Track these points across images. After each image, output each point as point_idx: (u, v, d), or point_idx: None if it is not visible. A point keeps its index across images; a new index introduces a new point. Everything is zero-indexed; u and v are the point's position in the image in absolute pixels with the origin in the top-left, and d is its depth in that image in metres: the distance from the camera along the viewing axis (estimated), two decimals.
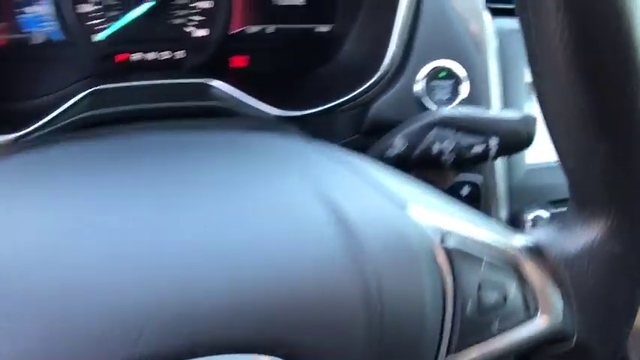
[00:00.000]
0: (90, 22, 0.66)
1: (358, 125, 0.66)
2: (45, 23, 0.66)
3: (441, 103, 0.63)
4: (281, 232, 0.30)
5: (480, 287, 0.34)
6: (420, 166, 0.48)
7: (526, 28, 0.29)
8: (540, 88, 0.31)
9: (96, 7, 0.66)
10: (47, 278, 0.25)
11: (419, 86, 0.63)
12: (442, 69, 0.63)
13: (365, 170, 0.36)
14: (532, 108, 0.71)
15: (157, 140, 0.38)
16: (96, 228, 0.28)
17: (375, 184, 0.34)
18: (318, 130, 0.63)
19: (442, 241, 0.34)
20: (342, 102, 0.63)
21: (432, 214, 0.34)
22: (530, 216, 0.71)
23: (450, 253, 0.34)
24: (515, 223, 0.71)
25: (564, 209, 0.38)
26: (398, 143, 0.48)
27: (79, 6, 0.65)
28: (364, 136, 0.67)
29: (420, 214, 0.34)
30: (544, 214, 0.71)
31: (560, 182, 0.76)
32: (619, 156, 0.30)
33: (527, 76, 0.71)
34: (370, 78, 0.63)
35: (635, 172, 0.32)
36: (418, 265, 0.32)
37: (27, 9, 0.65)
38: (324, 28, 0.74)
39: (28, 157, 0.34)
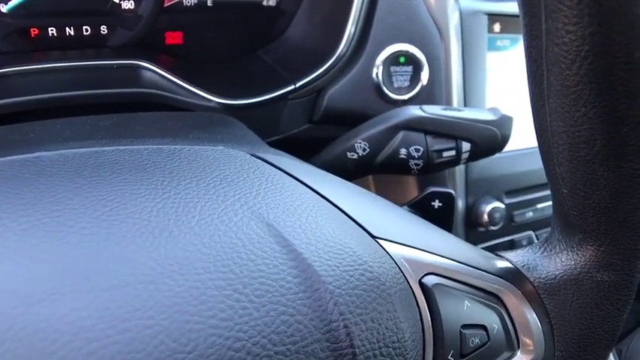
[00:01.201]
0: None
1: (310, 114, 0.60)
2: None
3: (401, 91, 0.58)
4: (226, 282, 0.24)
5: (462, 327, 0.30)
6: (382, 171, 0.43)
7: (532, 37, 0.23)
8: (542, 107, 0.26)
9: None
10: None
11: (377, 72, 0.57)
12: (402, 54, 0.58)
13: (328, 194, 0.30)
14: (491, 95, 0.67)
15: (78, 155, 0.31)
16: None
17: (340, 213, 0.29)
18: (265, 119, 0.57)
19: (418, 277, 0.29)
20: (293, 89, 0.56)
21: (406, 246, 0.29)
22: (486, 208, 0.68)
23: (428, 291, 0.29)
24: (471, 215, 0.68)
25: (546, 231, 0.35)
26: (359, 148, 0.43)
27: None
28: (316, 125, 0.61)
29: (392, 247, 0.29)
30: (499, 205, 0.68)
31: (513, 172, 0.75)
32: (623, 185, 0.26)
33: (489, 62, 0.67)
34: (324, 62, 0.57)
35: (634, 201, 0.28)
36: (392, 306, 0.27)
37: None
38: (270, 2, 0.66)
39: None
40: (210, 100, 0.55)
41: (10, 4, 0.57)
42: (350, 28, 0.56)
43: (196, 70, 0.59)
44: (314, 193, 0.29)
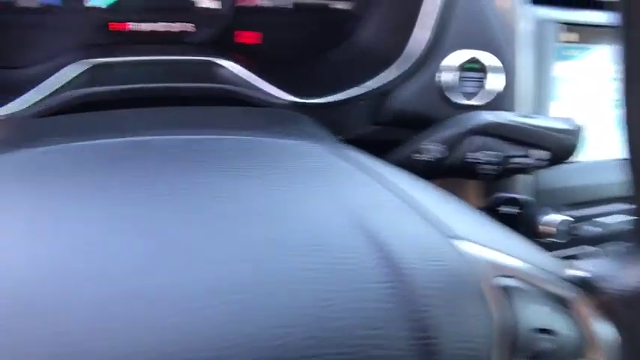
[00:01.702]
0: None
1: (376, 115, 0.61)
2: None
3: (468, 97, 0.58)
4: (314, 271, 0.25)
5: (532, 331, 0.30)
6: (452, 174, 0.44)
7: (631, 46, 0.24)
8: (635, 118, 0.26)
9: None
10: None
11: (446, 77, 0.58)
12: (472, 60, 0.58)
13: (407, 191, 0.31)
14: (558, 105, 0.66)
15: (166, 144, 0.33)
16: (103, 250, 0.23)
17: (419, 209, 0.30)
18: (333, 119, 0.58)
19: (495, 278, 0.29)
20: (363, 91, 0.58)
21: (485, 247, 0.30)
22: (551, 219, 0.67)
23: (503, 292, 0.29)
24: (533, 225, 0.67)
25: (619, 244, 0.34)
26: (430, 150, 0.43)
27: None
28: (381, 127, 0.62)
29: (470, 247, 0.29)
30: (563, 217, 0.67)
31: (579, 184, 0.73)
32: None
33: (558, 70, 0.66)
34: (393, 65, 0.58)
35: None
36: (471, 303, 0.28)
37: None
38: (343, 5, 0.68)
39: (25, 161, 0.29)
40: (283, 99, 0.56)
41: (109, 0, 0.61)
42: (421, 33, 0.57)
43: (269, 69, 0.61)
44: (397, 189, 0.30)
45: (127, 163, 0.30)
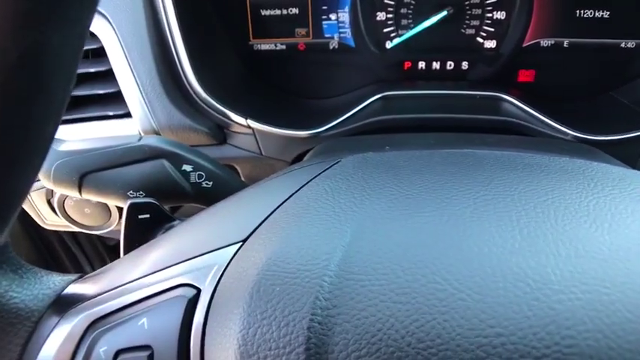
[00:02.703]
0: (384, 30, 0.68)
1: None
2: (342, 30, 0.70)
3: None
4: None
5: None
6: None
7: None
8: None
9: (390, 16, 0.68)
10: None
11: None
12: None
13: None
14: None
15: (496, 157, 0.37)
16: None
17: None
18: (620, 157, 0.56)
19: None
20: None
21: None
22: None
23: None
24: None
25: None
26: None
27: (376, 14, 0.68)
28: None
29: None
30: None
31: None
32: None
33: None
34: None
35: None
36: None
37: (331, 15, 0.69)
38: (629, 44, 0.66)
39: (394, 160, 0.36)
40: (567, 133, 0.57)
41: (393, 42, 0.69)
42: None
43: (549, 105, 0.62)
44: None
45: (467, 167, 0.35)
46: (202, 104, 0.60)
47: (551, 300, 0.24)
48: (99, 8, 0.58)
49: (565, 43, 0.67)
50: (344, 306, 0.25)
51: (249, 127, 0.60)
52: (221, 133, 0.62)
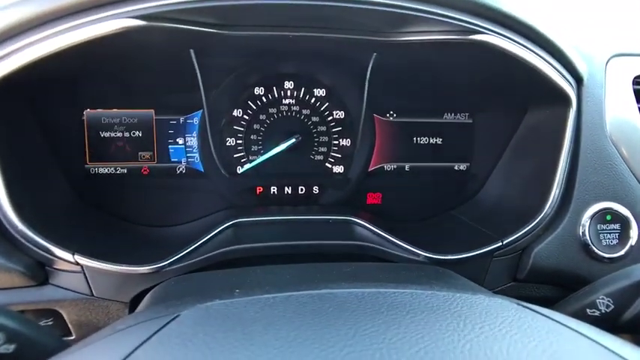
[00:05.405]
0: (235, 155, 0.66)
1: (514, 272, 0.59)
2: (190, 155, 0.67)
3: (609, 250, 0.57)
4: None
5: None
6: (630, 330, 0.41)
7: None
8: None
9: (240, 142, 0.67)
10: None
11: (584, 230, 0.57)
12: (608, 212, 0.57)
13: (607, 343, 0.29)
14: None
15: (363, 294, 0.34)
16: None
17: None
18: (470, 275, 0.57)
19: None
20: (499, 246, 0.57)
21: None
22: None
23: None
24: None
25: None
26: (601, 304, 0.41)
27: (226, 139, 0.66)
28: (520, 283, 0.60)
29: None
30: None
31: None
32: None
33: None
34: (529, 221, 0.58)
35: None
36: None
37: (178, 140, 0.66)
38: (461, 167, 0.71)
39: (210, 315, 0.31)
40: (418, 255, 0.57)
41: (244, 168, 0.67)
42: (554, 190, 0.58)
43: (397, 226, 0.63)
44: (594, 343, 0.28)
45: (328, 316, 0.31)
46: (20, 238, 0.50)
47: None
48: None
49: (406, 167, 0.71)
50: None
51: (77, 263, 0.51)
52: (42, 271, 0.52)
